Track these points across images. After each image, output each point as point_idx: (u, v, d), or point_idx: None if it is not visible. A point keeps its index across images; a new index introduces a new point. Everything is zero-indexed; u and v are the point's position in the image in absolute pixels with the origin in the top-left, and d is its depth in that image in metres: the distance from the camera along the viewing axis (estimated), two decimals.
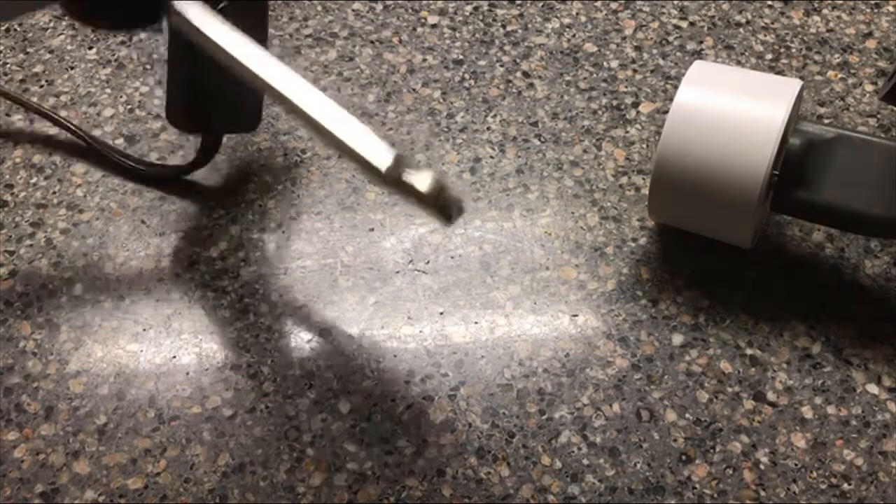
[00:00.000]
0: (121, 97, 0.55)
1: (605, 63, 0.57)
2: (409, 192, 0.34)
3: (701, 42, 0.58)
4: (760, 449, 0.42)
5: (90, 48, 0.58)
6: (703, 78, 0.44)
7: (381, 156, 0.33)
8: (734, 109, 0.43)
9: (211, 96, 0.46)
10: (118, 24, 0.42)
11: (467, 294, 0.47)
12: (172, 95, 0.46)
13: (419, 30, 0.59)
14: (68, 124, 0.53)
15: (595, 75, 0.56)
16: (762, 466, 0.42)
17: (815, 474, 0.42)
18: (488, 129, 0.54)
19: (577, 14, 0.60)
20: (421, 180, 0.33)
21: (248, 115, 0.49)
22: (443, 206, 0.34)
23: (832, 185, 0.43)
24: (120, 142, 0.53)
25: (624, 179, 0.52)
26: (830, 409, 0.43)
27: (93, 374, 0.45)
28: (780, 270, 0.48)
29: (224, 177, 0.52)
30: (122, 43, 0.58)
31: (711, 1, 0.60)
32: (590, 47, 0.58)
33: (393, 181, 0.34)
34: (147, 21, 0.40)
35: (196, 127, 0.49)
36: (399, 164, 0.33)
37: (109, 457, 0.42)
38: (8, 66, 0.57)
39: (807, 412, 0.43)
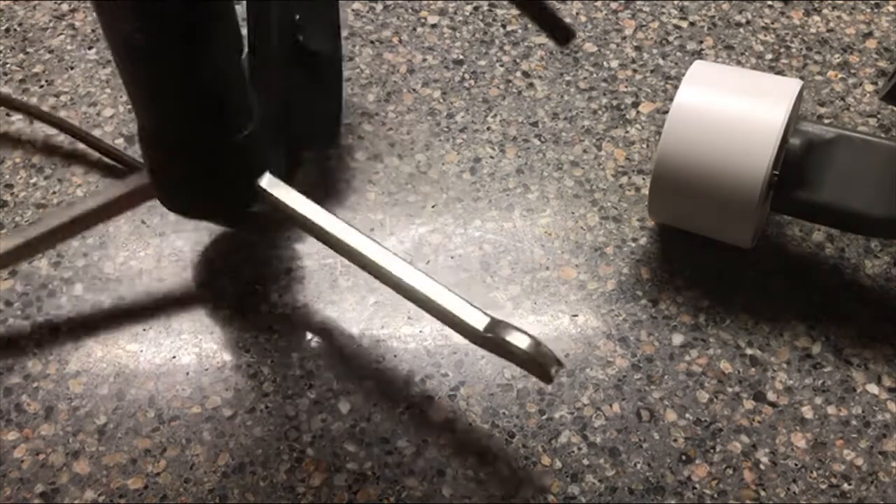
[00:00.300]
0: (121, 97, 0.55)
1: (605, 63, 0.57)
2: (507, 350, 0.39)
3: (701, 42, 0.58)
4: (760, 449, 0.42)
5: (90, 48, 0.58)
6: (703, 78, 0.44)
7: (478, 319, 0.39)
8: (734, 109, 0.43)
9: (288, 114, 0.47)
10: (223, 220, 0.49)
11: (467, 294, 0.47)
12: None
13: (419, 30, 0.59)
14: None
15: (595, 75, 0.56)
16: (762, 466, 0.42)
17: (815, 474, 0.42)
18: (488, 129, 0.54)
19: (577, 14, 0.60)
20: (520, 340, 0.38)
21: (325, 130, 0.50)
22: (542, 363, 0.38)
23: (832, 185, 0.43)
24: (120, 142, 0.53)
25: (624, 179, 0.52)
26: (830, 409, 0.43)
27: (93, 374, 0.45)
28: (780, 270, 0.48)
29: None
30: None
31: (711, 1, 0.60)
32: (590, 47, 0.58)
33: (490, 341, 0.39)
34: (245, 211, 0.45)
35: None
36: (494, 326, 0.38)
37: (109, 457, 0.42)
38: (8, 66, 0.57)
39: (807, 412, 0.43)
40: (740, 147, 0.42)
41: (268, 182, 0.43)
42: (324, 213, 0.43)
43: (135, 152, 0.53)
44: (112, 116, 0.55)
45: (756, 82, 0.44)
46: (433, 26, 0.59)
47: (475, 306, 0.40)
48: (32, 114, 0.54)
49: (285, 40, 0.45)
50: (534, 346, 0.38)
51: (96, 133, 0.54)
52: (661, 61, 0.57)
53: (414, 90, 0.56)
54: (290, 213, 0.43)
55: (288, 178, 0.49)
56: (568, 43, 0.37)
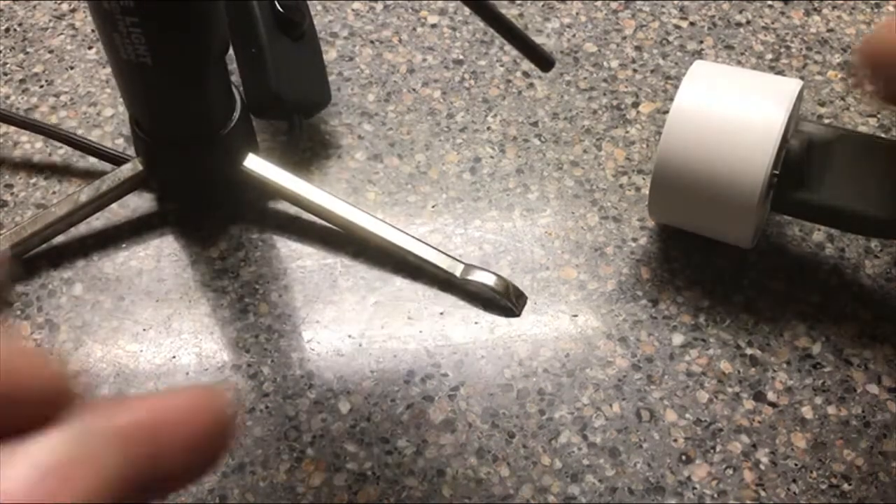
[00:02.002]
0: (121, 97, 0.55)
1: (605, 63, 0.57)
2: (477, 288, 0.46)
3: (701, 42, 0.58)
4: (760, 449, 0.42)
5: (90, 48, 0.58)
6: (704, 78, 0.44)
7: (453, 266, 0.46)
8: (734, 110, 0.43)
9: (281, 82, 0.50)
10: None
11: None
12: (248, 87, 0.50)
13: (419, 30, 0.59)
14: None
15: (595, 75, 0.56)
16: (762, 466, 0.42)
17: (815, 474, 0.42)
18: (488, 129, 0.54)
19: (577, 14, 0.60)
20: (487, 278, 0.46)
21: (317, 92, 0.52)
22: (507, 298, 0.46)
23: (832, 185, 0.43)
24: (120, 142, 0.53)
25: (624, 179, 0.52)
26: (830, 410, 0.43)
27: (93, 374, 0.45)
28: (780, 270, 0.48)
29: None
30: None
31: (711, 1, 0.60)
32: (590, 47, 0.58)
33: (463, 282, 0.46)
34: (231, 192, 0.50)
35: (275, 113, 0.51)
36: (466, 270, 0.46)
37: None
38: (8, 66, 0.57)
39: (807, 412, 0.43)
40: (740, 147, 0.42)
41: (251, 163, 0.48)
42: (305, 184, 0.48)
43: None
44: (112, 116, 0.55)
45: (756, 82, 0.44)
46: (433, 26, 0.59)
47: (451, 256, 0.47)
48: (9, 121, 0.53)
49: (263, 9, 0.49)
50: (500, 282, 0.46)
51: (96, 133, 0.54)
52: (661, 61, 0.57)
53: (414, 90, 0.56)
54: (274, 187, 0.48)
55: (293, 145, 0.53)
56: (548, 70, 0.41)
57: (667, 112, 0.54)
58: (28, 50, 0.58)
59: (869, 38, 0.31)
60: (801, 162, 0.43)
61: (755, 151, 0.42)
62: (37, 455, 0.16)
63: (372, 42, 0.58)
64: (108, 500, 0.16)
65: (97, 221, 0.50)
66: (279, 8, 0.49)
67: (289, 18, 0.49)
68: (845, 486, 0.41)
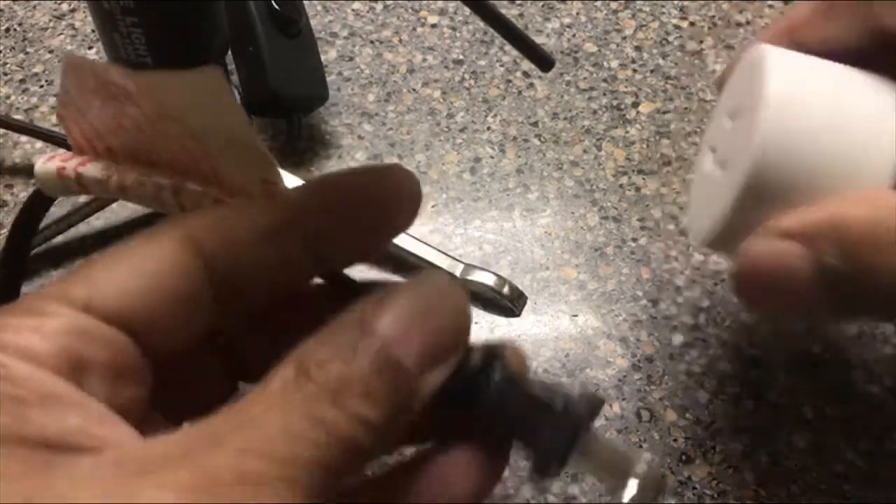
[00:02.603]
0: None
1: (605, 63, 0.57)
2: (477, 288, 0.46)
3: (701, 42, 0.58)
4: (760, 449, 0.42)
5: (90, 48, 0.58)
6: (791, 76, 0.30)
7: (453, 266, 0.46)
8: (839, 117, 0.29)
9: (280, 81, 0.50)
10: None
11: None
12: (246, 86, 0.50)
13: (419, 30, 0.59)
14: None
15: (595, 75, 0.56)
16: (762, 466, 0.42)
17: (815, 474, 0.41)
18: (488, 129, 0.54)
19: (578, 14, 0.60)
20: (487, 278, 0.46)
21: (315, 89, 0.53)
22: (507, 298, 0.46)
23: None
24: None
25: (624, 179, 0.52)
26: (830, 410, 0.43)
27: None
28: None
29: None
30: None
31: (711, 1, 0.60)
32: (590, 47, 0.58)
33: (463, 282, 0.46)
34: None
35: (274, 111, 0.51)
36: (466, 270, 0.46)
37: None
38: (8, 65, 0.57)
39: (807, 412, 0.43)
40: (854, 164, 0.29)
41: None
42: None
43: None
44: None
45: (855, 81, 0.30)
46: (433, 26, 0.59)
47: (451, 256, 0.47)
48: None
49: (260, 8, 0.50)
50: (500, 282, 0.46)
51: None
52: (661, 61, 0.57)
53: (414, 90, 0.56)
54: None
55: (292, 143, 0.52)
56: (548, 70, 0.41)
57: (667, 112, 0.54)
58: (28, 50, 0.58)
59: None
60: None
61: (873, 168, 0.29)
62: (405, 300, 0.22)
63: (372, 42, 0.58)
64: (457, 339, 0.23)
65: (97, 221, 0.50)
66: (275, 6, 0.49)
67: (286, 16, 0.49)
68: (845, 487, 0.41)
